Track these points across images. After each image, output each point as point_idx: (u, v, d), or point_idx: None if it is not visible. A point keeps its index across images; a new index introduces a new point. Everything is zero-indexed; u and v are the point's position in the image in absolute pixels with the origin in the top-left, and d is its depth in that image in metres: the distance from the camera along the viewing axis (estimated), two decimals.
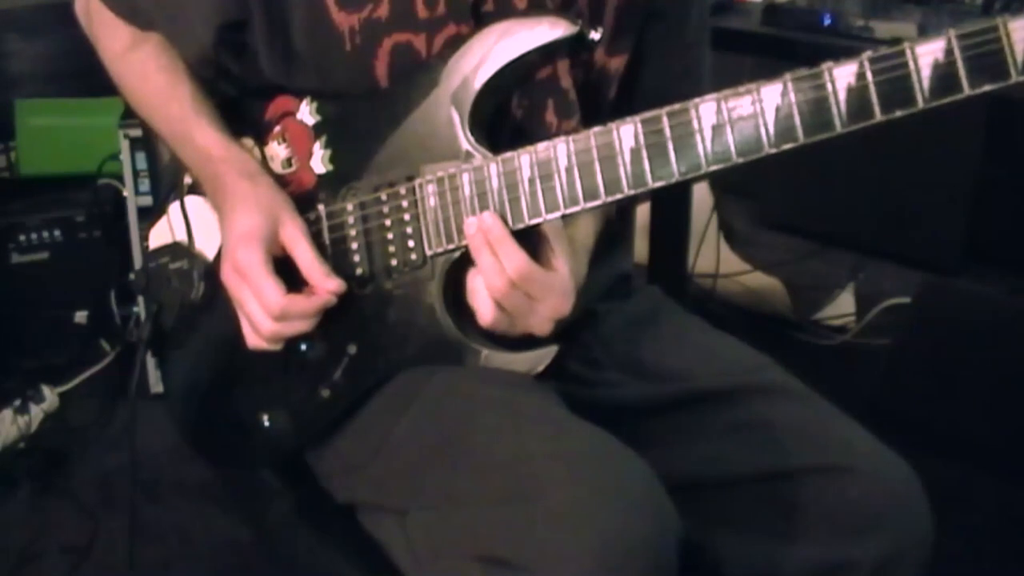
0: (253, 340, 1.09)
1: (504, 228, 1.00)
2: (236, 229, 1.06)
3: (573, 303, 1.03)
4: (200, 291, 1.18)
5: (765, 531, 1.03)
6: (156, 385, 1.95)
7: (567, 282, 1.03)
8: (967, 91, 0.86)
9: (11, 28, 2.77)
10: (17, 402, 2.37)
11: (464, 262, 1.05)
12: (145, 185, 2.35)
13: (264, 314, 1.05)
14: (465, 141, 1.04)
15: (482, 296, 1.03)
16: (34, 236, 2.55)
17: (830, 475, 1.02)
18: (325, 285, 1.05)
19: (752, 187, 3.12)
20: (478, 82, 1.03)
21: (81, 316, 2.60)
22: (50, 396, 2.44)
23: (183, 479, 2.09)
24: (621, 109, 1.03)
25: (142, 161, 2.33)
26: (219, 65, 1.16)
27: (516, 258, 1.00)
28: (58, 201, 2.61)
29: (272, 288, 1.04)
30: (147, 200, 2.31)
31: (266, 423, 1.16)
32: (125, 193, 2.40)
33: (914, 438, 1.31)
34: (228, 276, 1.07)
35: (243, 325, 1.10)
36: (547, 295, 1.02)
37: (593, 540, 0.88)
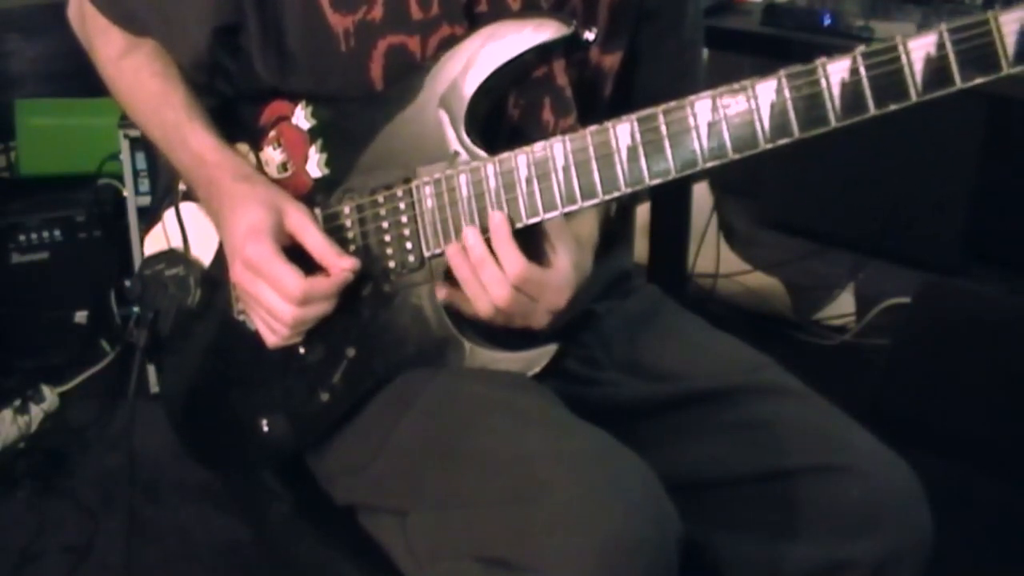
0: (273, 337, 1.09)
1: (509, 230, 1.00)
2: (240, 227, 1.05)
3: (571, 296, 1.03)
4: (197, 297, 1.17)
5: (765, 531, 1.03)
6: (156, 385, 1.94)
7: (565, 277, 1.03)
8: (959, 84, 0.87)
9: (11, 28, 2.77)
10: (17, 402, 2.37)
11: None
12: (145, 185, 2.36)
13: (285, 302, 1.04)
14: (455, 142, 1.04)
15: (482, 302, 1.03)
16: (34, 236, 2.55)
17: (830, 475, 1.02)
18: (340, 264, 1.05)
19: (752, 187, 3.12)
20: (468, 86, 1.03)
21: (81, 316, 2.59)
22: (50, 396, 2.44)
23: (183, 479, 2.09)
24: (618, 107, 1.03)
25: (142, 161, 2.34)
26: (216, 65, 1.16)
27: (514, 261, 1.00)
28: (58, 201, 2.60)
29: (290, 274, 1.03)
30: (147, 200, 2.31)
31: (265, 428, 1.15)
32: (125, 193, 2.40)
33: (914, 438, 1.31)
34: (240, 274, 1.06)
35: (260, 324, 1.09)
36: (544, 292, 1.02)
37: (594, 540, 0.88)
